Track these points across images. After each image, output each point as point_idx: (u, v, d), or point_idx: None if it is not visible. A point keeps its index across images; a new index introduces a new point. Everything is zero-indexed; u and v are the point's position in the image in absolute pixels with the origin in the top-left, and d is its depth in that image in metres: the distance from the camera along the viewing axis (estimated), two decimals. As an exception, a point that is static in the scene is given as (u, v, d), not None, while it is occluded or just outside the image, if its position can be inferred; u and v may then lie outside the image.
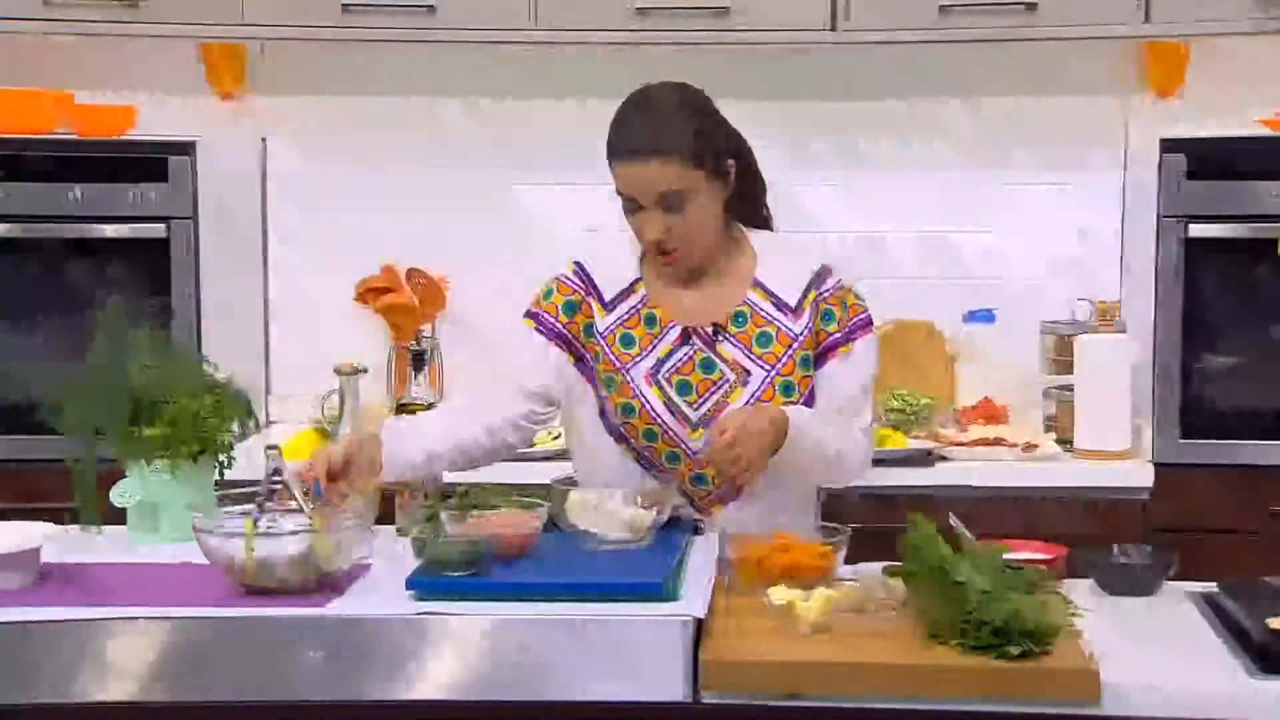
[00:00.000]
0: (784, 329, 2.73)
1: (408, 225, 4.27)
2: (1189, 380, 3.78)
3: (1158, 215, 3.79)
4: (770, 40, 3.89)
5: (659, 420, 2.71)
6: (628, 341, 2.74)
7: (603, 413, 2.75)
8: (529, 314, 2.79)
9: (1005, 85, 4.17)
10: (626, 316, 2.76)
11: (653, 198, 2.64)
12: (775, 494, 2.72)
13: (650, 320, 2.75)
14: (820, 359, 2.74)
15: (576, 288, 2.77)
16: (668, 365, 2.72)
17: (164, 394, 2.77)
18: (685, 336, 2.73)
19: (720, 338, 2.73)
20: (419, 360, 2.88)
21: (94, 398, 2.79)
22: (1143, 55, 4.09)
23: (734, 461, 2.54)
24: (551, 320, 2.76)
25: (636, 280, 2.78)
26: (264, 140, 4.27)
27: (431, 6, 3.85)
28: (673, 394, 2.71)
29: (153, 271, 3.89)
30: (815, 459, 2.67)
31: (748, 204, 2.81)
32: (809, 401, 2.73)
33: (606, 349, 2.74)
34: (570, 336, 2.76)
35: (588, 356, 2.76)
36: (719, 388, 2.72)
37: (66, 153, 3.91)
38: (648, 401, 2.71)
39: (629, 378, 2.72)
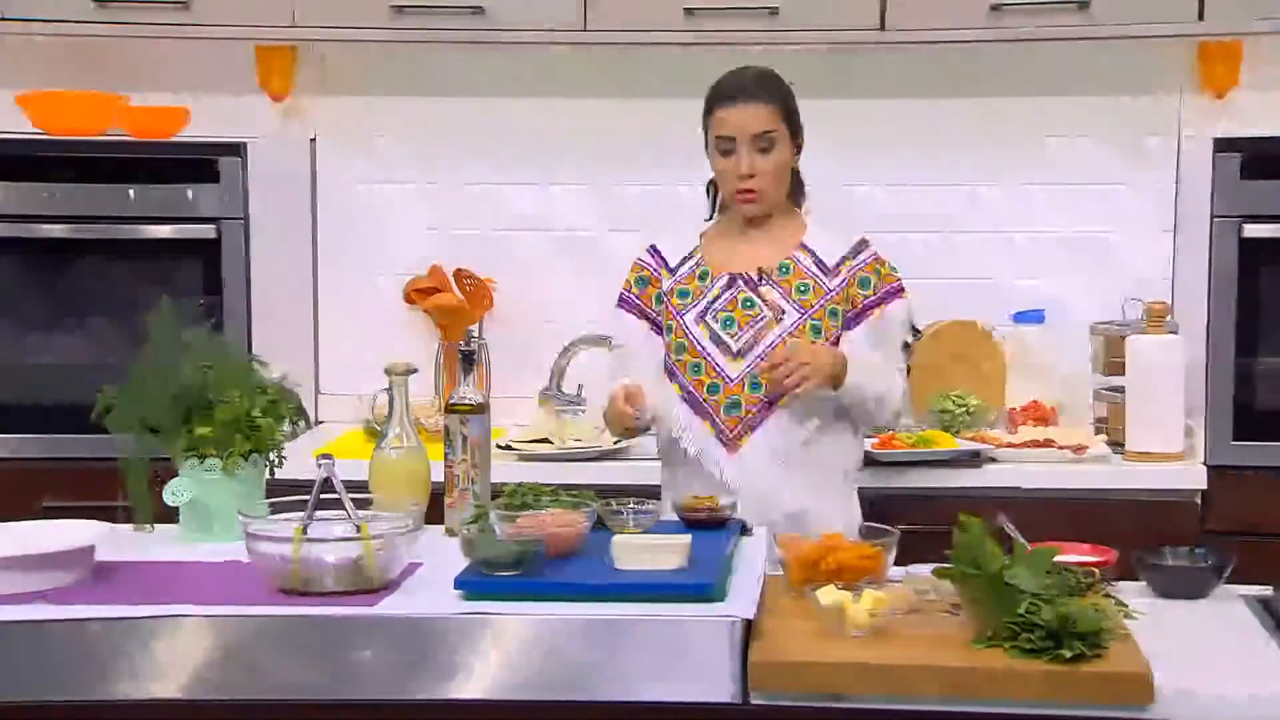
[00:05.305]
0: (820, 284, 3.15)
1: (455, 226, 4.28)
2: (1242, 382, 3.74)
3: (1211, 215, 3.76)
4: (820, 40, 3.88)
5: (704, 352, 3.13)
6: (683, 294, 3.19)
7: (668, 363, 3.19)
8: (618, 299, 3.26)
9: (1057, 85, 4.14)
10: (685, 275, 3.21)
11: (747, 137, 3.09)
12: (808, 455, 3.10)
13: (704, 275, 3.19)
14: (857, 319, 3.14)
15: (647, 265, 3.25)
16: (715, 306, 3.15)
17: (216, 393, 2.79)
18: (731, 282, 3.16)
19: (764, 282, 3.15)
20: (468, 360, 2.88)
21: (146, 397, 2.80)
22: (1196, 55, 4.05)
23: (799, 367, 2.96)
24: (631, 297, 3.25)
25: (696, 247, 3.24)
26: (313, 141, 4.29)
27: (480, 8, 3.85)
28: (717, 328, 3.14)
29: (204, 272, 3.92)
30: (867, 395, 3.09)
31: (796, 186, 3.24)
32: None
33: (668, 303, 3.19)
34: (644, 306, 3.23)
35: (660, 319, 3.20)
36: (758, 322, 3.13)
37: (119, 154, 3.94)
38: (695, 339, 3.14)
39: (682, 322, 3.16)
